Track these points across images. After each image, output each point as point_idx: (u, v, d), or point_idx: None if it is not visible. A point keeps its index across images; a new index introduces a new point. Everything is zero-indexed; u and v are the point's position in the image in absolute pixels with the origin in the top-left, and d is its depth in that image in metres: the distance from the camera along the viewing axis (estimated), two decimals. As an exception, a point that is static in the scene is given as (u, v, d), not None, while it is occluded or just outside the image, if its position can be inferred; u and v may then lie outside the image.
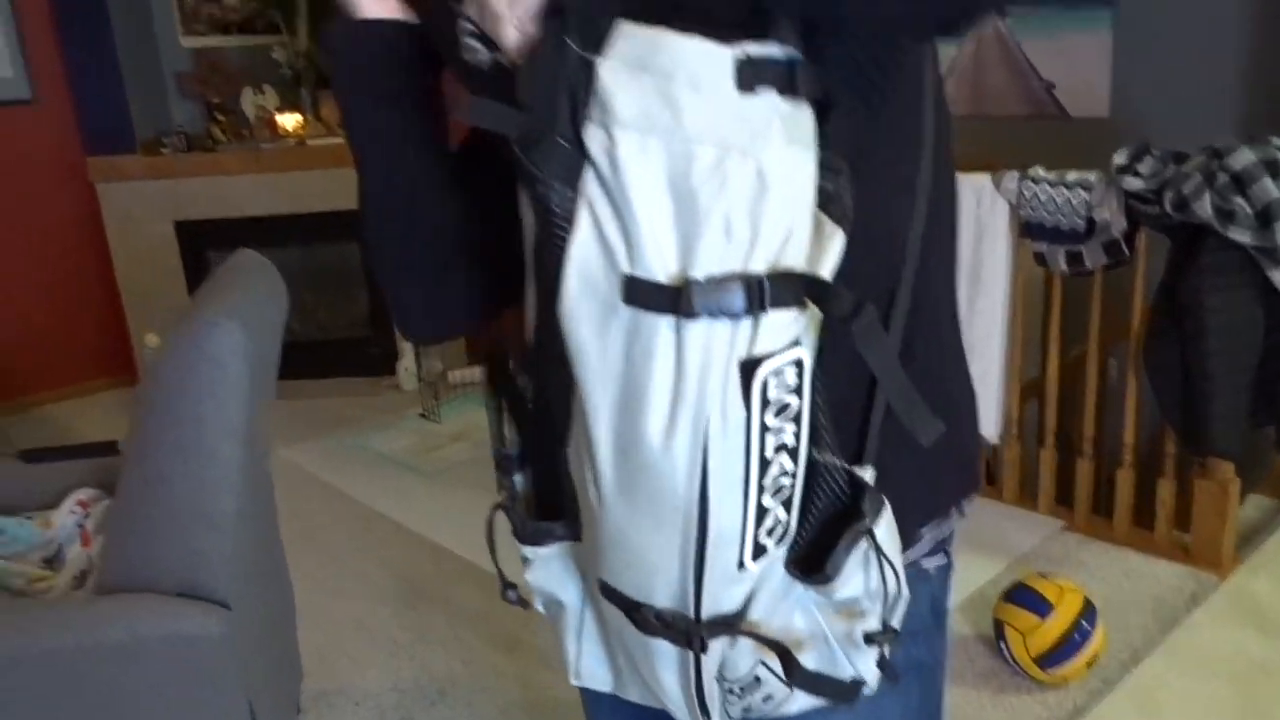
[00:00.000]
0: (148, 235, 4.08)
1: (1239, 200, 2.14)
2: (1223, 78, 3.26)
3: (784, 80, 0.56)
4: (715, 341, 0.56)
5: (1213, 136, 2.34)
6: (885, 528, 0.65)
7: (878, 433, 0.68)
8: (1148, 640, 2.17)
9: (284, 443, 3.50)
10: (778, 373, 0.58)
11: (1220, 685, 2.02)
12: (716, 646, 0.66)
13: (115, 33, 3.91)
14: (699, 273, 0.56)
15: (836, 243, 0.59)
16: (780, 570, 0.65)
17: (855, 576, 0.65)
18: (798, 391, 0.59)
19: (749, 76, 0.55)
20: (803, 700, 0.70)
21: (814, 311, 0.59)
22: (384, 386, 4.16)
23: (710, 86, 0.55)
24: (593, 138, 0.56)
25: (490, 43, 0.63)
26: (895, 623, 0.69)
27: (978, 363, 2.53)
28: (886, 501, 0.65)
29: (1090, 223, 2.37)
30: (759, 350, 0.57)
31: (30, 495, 1.94)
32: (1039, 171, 2.44)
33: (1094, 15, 3.41)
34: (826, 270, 0.59)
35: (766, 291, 0.56)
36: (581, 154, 0.57)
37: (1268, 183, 2.13)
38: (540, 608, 0.83)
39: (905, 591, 0.68)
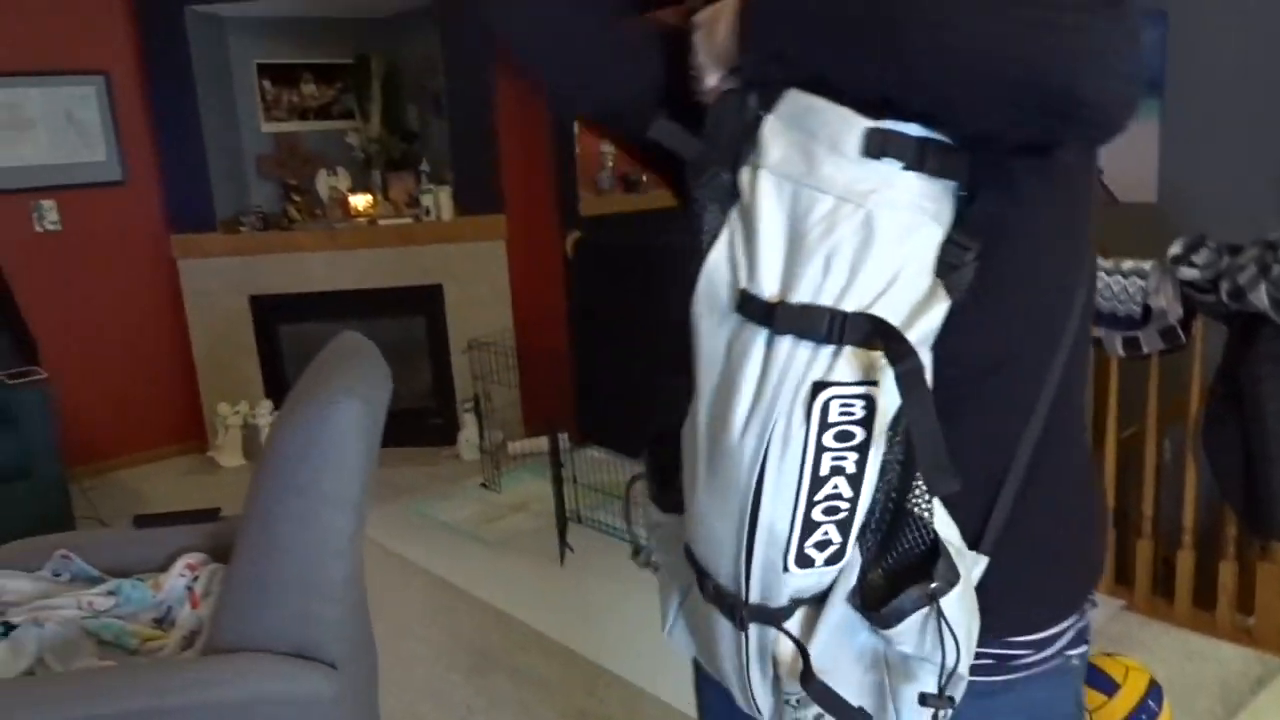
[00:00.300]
0: (223, 309, 4.27)
1: (1294, 290, 2.21)
2: (1269, 167, 3.35)
3: (912, 154, 0.65)
4: (795, 359, 0.66)
5: (1262, 224, 2.42)
6: (957, 600, 0.69)
7: (1001, 524, 0.74)
8: (1215, 722, 2.18)
9: (351, 511, 3.60)
10: (844, 402, 0.65)
11: (1290, 769, 2.03)
12: (754, 630, 0.73)
13: (203, 119, 4.14)
14: (795, 298, 0.66)
15: (939, 309, 0.67)
16: (841, 604, 0.71)
17: (914, 633, 0.69)
18: (864, 425, 0.66)
19: (876, 144, 0.65)
20: None
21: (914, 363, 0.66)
22: (444, 456, 4.28)
23: (843, 147, 0.66)
24: (744, 175, 0.69)
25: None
26: (955, 694, 0.71)
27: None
28: (963, 576, 0.69)
29: (1146, 309, 2.44)
30: (832, 377, 0.65)
31: (141, 558, 2.05)
32: (1096, 259, 2.52)
33: (1142, 104, 3.52)
34: (919, 328, 0.66)
35: (845, 328, 0.65)
36: (735, 186, 0.70)
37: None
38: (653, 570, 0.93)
39: (965, 668, 0.70)
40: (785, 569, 0.69)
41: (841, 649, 0.73)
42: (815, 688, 0.72)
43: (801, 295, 0.66)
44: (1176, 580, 2.56)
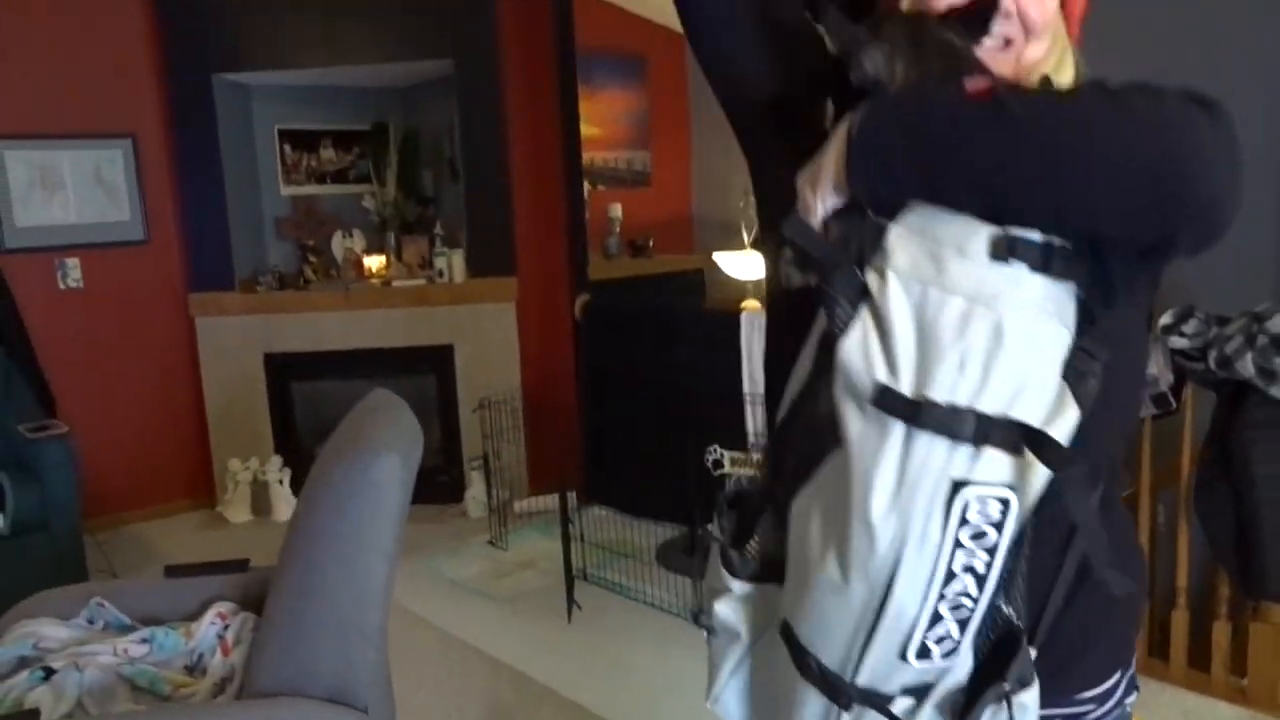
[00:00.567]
0: (238, 367, 4.37)
1: (1279, 360, 2.33)
2: (1259, 244, 3.50)
3: (1036, 257, 0.69)
4: (935, 455, 0.68)
5: (1250, 297, 2.54)
6: (1029, 701, 0.73)
7: (1061, 599, 0.78)
8: (1213, 780, 2.24)
9: (361, 566, 3.66)
10: (982, 502, 0.68)
11: (1287, 825, 2.09)
12: (855, 711, 0.75)
13: (225, 182, 4.28)
14: (934, 395, 0.68)
15: (1070, 417, 0.69)
16: (931, 713, 0.74)
17: None
18: (998, 527, 0.68)
19: (1003, 249, 0.69)
20: None
21: (1038, 471, 0.68)
22: (451, 514, 4.34)
23: (970, 252, 0.70)
24: (872, 278, 0.72)
25: None
26: None
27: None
28: (1037, 678, 0.73)
29: (1139, 376, 2.55)
30: (972, 476, 0.68)
31: (172, 607, 2.11)
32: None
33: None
34: (1057, 433, 0.68)
35: (991, 431, 0.67)
36: (865, 285, 0.73)
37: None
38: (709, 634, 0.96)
39: None
40: (904, 658, 0.71)
41: None
42: None
43: (937, 393, 0.68)
44: (1172, 641, 2.63)
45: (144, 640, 2.00)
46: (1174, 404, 2.55)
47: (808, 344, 0.79)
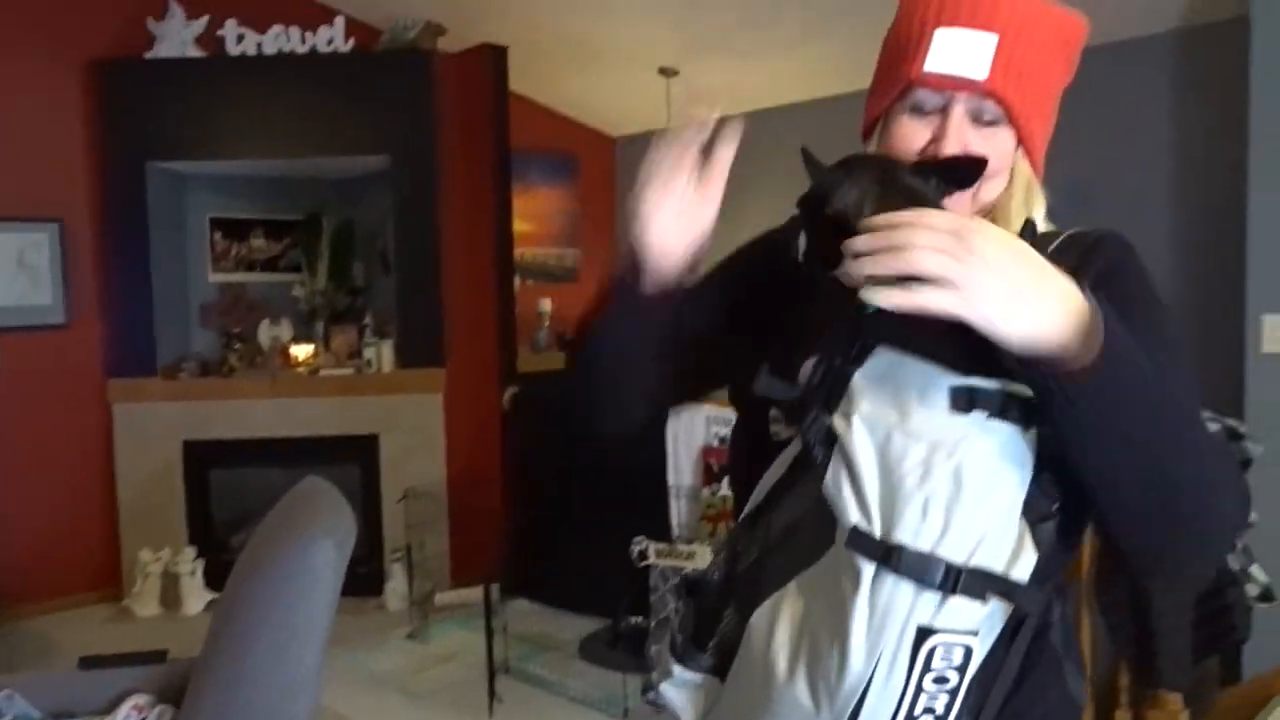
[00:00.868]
0: (155, 455, 4.28)
1: (1167, 458, 2.50)
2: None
3: (996, 407, 0.72)
4: (901, 599, 0.70)
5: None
6: None
7: (1000, 700, 0.80)
8: None
9: (277, 660, 3.56)
10: (947, 648, 0.70)
11: None
12: None
13: (152, 267, 4.26)
14: (902, 539, 0.70)
15: (1029, 559, 0.71)
16: None
17: None
18: (960, 670, 0.71)
19: (963, 400, 0.72)
20: None
21: (999, 615, 0.71)
22: (370, 607, 4.26)
23: (932, 402, 0.72)
24: (839, 422, 0.76)
25: None
26: None
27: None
28: None
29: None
30: (937, 624, 0.70)
31: (85, 700, 2.05)
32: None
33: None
34: (1019, 576, 0.71)
35: (961, 579, 0.70)
36: (832, 430, 0.76)
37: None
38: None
39: None
40: None
41: None
42: None
43: (902, 537, 0.71)
44: (1079, 729, 2.72)
45: (55, 734, 1.95)
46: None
47: (785, 453, 0.83)
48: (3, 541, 4.01)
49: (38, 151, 4.11)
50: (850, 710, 0.72)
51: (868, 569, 0.71)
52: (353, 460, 4.38)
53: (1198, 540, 0.79)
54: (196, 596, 4.17)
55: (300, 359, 4.54)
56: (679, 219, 0.92)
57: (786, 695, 0.75)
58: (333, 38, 4.28)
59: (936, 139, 0.90)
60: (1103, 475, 0.74)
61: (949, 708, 0.72)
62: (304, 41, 4.27)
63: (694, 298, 0.97)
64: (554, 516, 4.04)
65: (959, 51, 0.88)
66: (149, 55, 4.22)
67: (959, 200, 0.89)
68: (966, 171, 0.86)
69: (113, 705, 2.03)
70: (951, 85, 0.89)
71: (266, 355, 4.57)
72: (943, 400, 0.72)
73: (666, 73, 4.67)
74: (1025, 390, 0.72)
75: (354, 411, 4.34)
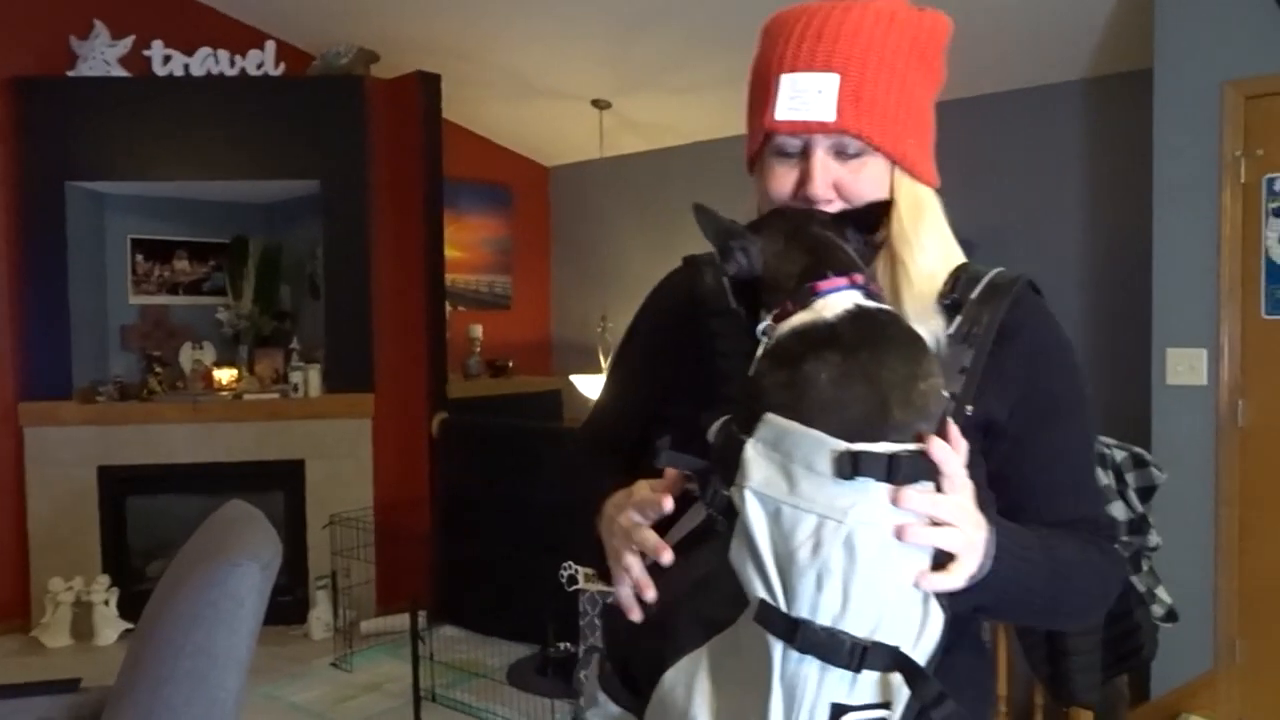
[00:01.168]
0: (69, 481, 4.15)
1: (1077, 484, 2.60)
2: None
3: (882, 470, 0.70)
4: (809, 677, 0.70)
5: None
6: None
7: None
8: None
9: (194, 692, 3.47)
10: None
11: None
12: None
13: (70, 288, 4.15)
14: (801, 614, 0.70)
15: (937, 622, 0.72)
16: None
17: None
18: None
19: (847, 468, 0.70)
20: None
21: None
22: (293, 636, 4.17)
23: (817, 467, 0.70)
24: (735, 493, 0.75)
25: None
26: None
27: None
28: None
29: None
30: (850, 700, 0.70)
31: (-8, 731, 1.98)
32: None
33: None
34: (923, 651, 0.71)
35: (865, 658, 0.69)
36: (729, 501, 0.76)
37: (1098, 472, 2.60)
38: None
39: None
40: None
41: None
42: None
43: (801, 612, 0.70)
44: (996, 748, 2.80)
45: (-41, 768, 1.88)
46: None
47: (698, 505, 0.83)
48: (-98, 571, 3.84)
49: (-49, 168, 3.99)
50: None
51: (776, 646, 0.71)
52: (277, 486, 4.30)
53: (1075, 626, 0.89)
54: (110, 627, 4.04)
55: (224, 383, 4.45)
56: None
57: None
58: (263, 61, 4.25)
59: (803, 181, 0.91)
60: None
61: None
62: (233, 64, 4.23)
63: (626, 417, 1.02)
64: (482, 542, 4.02)
65: (805, 96, 0.89)
66: (71, 74, 4.14)
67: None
68: (874, 216, 0.90)
69: (21, 737, 1.97)
70: (804, 129, 0.90)
71: (188, 379, 4.48)
72: (826, 467, 0.70)
73: (600, 105, 4.73)
74: (910, 447, 0.72)
75: (279, 437, 4.26)
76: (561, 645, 3.38)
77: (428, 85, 4.42)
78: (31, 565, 4.14)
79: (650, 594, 0.78)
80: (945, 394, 0.80)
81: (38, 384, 4.15)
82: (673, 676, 0.80)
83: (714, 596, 0.77)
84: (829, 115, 0.88)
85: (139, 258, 4.53)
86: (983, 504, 0.84)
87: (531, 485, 3.61)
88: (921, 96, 0.95)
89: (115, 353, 4.47)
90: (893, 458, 0.71)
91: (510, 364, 5.23)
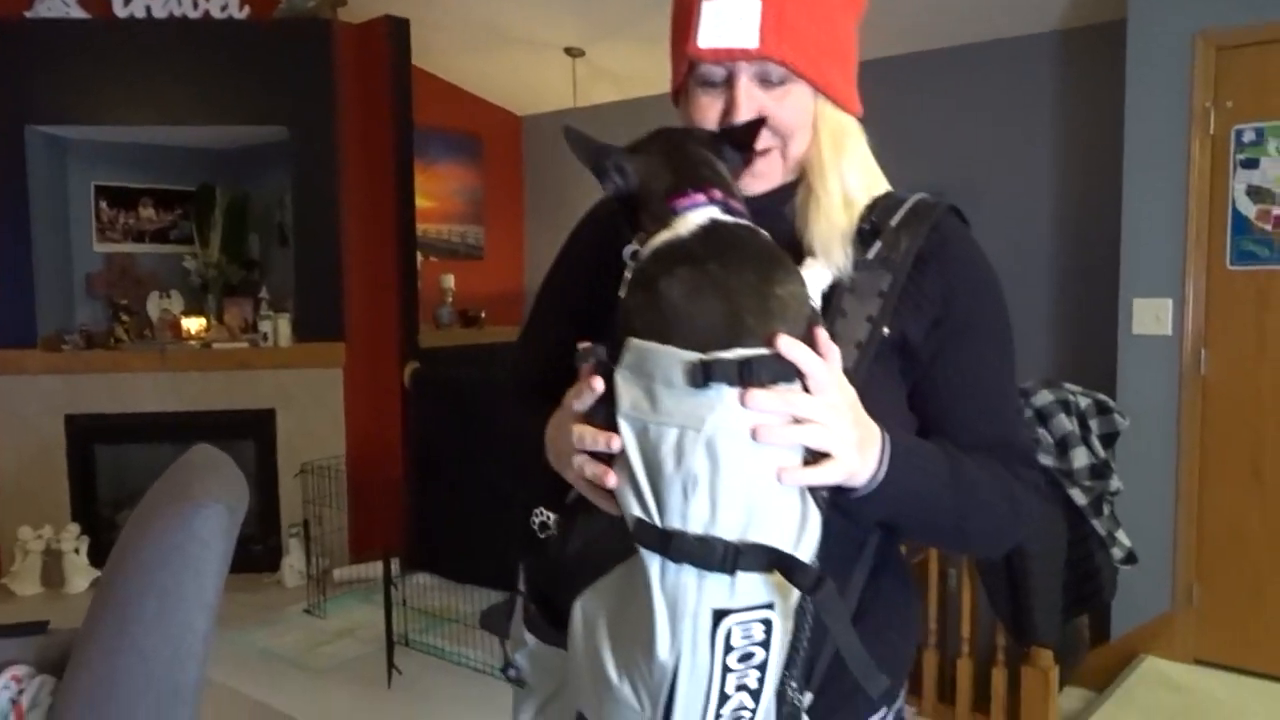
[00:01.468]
0: (35, 430, 4.11)
1: (1042, 431, 2.64)
2: (1027, 331, 3.93)
3: (735, 374, 0.70)
4: (688, 586, 0.70)
5: (1019, 377, 2.87)
6: None
7: (832, 652, 0.85)
8: (991, 814, 2.44)
9: (166, 639, 3.48)
10: (745, 627, 0.70)
11: None
12: None
13: (33, 235, 4.08)
14: (672, 525, 0.70)
15: (814, 523, 0.72)
16: None
17: None
18: (765, 645, 0.71)
19: (698, 376, 0.70)
20: None
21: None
22: (265, 583, 4.19)
23: (675, 383, 0.71)
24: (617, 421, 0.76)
25: None
26: None
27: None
28: None
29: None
30: (730, 604, 0.70)
31: (-41, 673, 1.98)
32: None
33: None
34: (806, 550, 0.71)
35: (739, 558, 0.69)
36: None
37: (1062, 418, 2.64)
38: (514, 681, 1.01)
39: None
40: None
41: None
42: None
43: (673, 522, 0.70)
44: (957, 686, 2.87)
45: (-75, 708, 1.88)
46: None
47: None
48: None
49: (-94, 110, 3.89)
50: (664, 701, 0.71)
51: (654, 560, 0.71)
52: (248, 435, 4.28)
53: (986, 554, 0.88)
54: (81, 575, 4.03)
55: (192, 332, 4.41)
56: None
57: (619, 695, 0.75)
58: (227, 4, 4.15)
59: (728, 109, 0.91)
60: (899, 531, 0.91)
61: (761, 681, 0.72)
62: (196, 6, 4.13)
63: (552, 360, 0.95)
64: (455, 490, 4.03)
65: (727, 22, 0.88)
66: (29, 15, 4.03)
67: (768, 164, 0.93)
68: (745, 134, 0.89)
69: (-12, 678, 1.97)
70: (728, 56, 0.89)
71: (156, 328, 4.43)
72: (681, 379, 0.71)
73: (572, 53, 4.67)
74: (763, 351, 0.72)
75: (249, 386, 4.24)
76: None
77: (396, 30, 4.34)
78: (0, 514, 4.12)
79: (611, 480, 0.77)
80: (812, 301, 0.80)
81: (1, 332, 4.09)
82: (580, 606, 0.81)
83: (622, 528, 0.77)
84: (751, 41, 0.87)
85: (103, 205, 4.45)
86: (900, 425, 0.85)
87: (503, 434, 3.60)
88: (843, 22, 0.94)
89: (81, 301, 4.41)
90: (745, 362, 0.71)
91: (483, 314, 5.21)
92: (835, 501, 0.80)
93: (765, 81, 0.90)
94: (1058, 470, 2.64)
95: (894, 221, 0.92)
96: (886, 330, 0.88)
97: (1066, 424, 2.64)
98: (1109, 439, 2.72)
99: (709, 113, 0.92)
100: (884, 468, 0.80)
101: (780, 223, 0.92)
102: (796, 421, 0.72)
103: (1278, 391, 3.06)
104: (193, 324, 4.43)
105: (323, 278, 4.30)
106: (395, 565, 3.43)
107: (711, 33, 0.88)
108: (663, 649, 0.70)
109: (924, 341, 0.91)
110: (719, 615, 0.69)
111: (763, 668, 0.71)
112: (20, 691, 1.92)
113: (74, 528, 4.08)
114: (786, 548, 0.71)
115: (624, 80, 4.90)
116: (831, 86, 0.92)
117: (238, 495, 1.82)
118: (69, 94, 4.05)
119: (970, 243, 0.97)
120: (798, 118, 0.92)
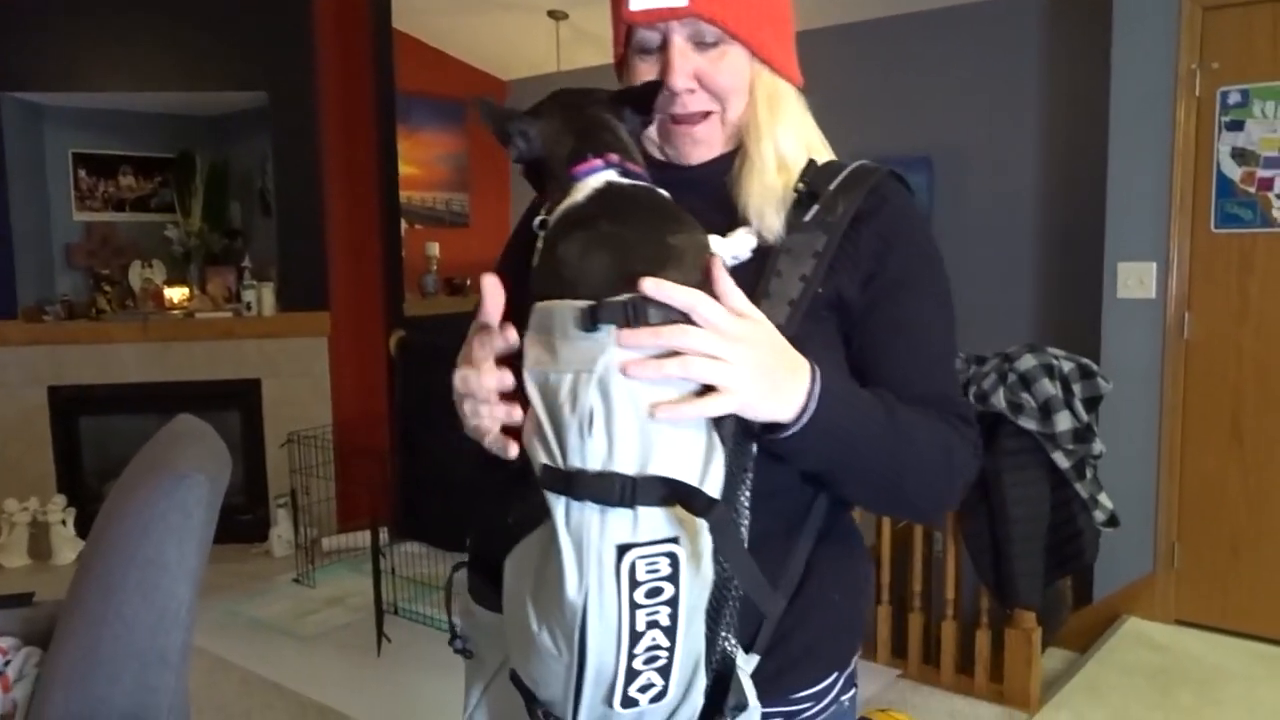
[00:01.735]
0: (18, 401, 4.09)
1: (1025, 395, 2.65)
2: (1011, 298, 3.94)
3: (621, 315, 0.72)
4: (589, 523, 0.71)
5: (1005, 342, 2.88)
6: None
7: (774, 622, 0.86)
8: (974, 772, 2.48)
9: (154, 609, 3.48)
10: (650, 561, 0.71)
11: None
12: None
13: (10, 205, 4.03)
14: (573, 465, 0.72)
15: (718, 456, 0.74)
16: None
17: None
18: (673, 580, 0.71)
19: (587, 319, 0.72)
20: None
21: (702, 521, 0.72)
22: (254, 554, 4.19)
23: (570, 333, 0.73)
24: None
25: None
26: None
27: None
28: (753, 700, 0.80)
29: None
30: (633, 539, 0.71)
31: (-56, 645, 1.98)
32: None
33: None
34: (711, 482, 0.73)
35: (636, 491, 0.70)
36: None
37: (1046, 382, 2.66)
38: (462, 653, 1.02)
39: None
40: (612, 707, 0.74)
41: None
42: None
43: (574, 462, 0.72)
44: (941, 649, 2.90)
45: (-89, 680, 1.87)
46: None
47: None
48: None
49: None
50: (578, 641, 0.72)
51: (559, 503, 0.73)
52: (234, 406, 4.27)
53: (918, 516, 0.86)
54: (68, 547, 4.03)
55: (175, 302, 4.38)
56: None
57: (539, 644, 0.76)
58: (204, -35, 4.08)
59: (663, 72, 0.91)
60: (827, 482, 0.88)
61: (674, 618, 0.72)
62: (173, -32, 4.06)
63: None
64: (442, 461, 4.03)
65: None
66: (2, -23, 3.96)
67: (707, 128, 0.93)
68: (644, 95, 0.90)
69: (-26, 650, 1.97)
70: (659, 17, 0.90)
71: (138, 298, 4.40)
72: (574, 328, 0.73)
73: (556, 15, 4.61)
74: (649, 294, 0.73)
75: (234, 356, 4.22)
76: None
77: (377, -8, 4.28)
78: (-17, 486, 4.10)
79: (513, 450, 0.79)
80: (711, 249, 0.81)
81: (-20, 304, 4.06)
82: (508, 564, 0.82)
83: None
84: (680, 0, 0.88)
85: (82, 173, 4.40)
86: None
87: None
88: None
89: (61, 271, 4.37)
90: (630, 302, 0.72)
91: (469, 282, 5.19)
92: (767, 445, 0.81)
93: (700, 44, 0.91)
94: (1040, 434, 2.65)
95: (833, 186, 0.92)
96: (820, 289, 0.89)
97: (1050, 388, 2.65)
98: (1092, 403, 2.74)
99: (647, 79, 0.92)
100: (813, 402, 0.79)
101: (721, 191, 0.93)
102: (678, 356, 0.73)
103: (1258, 355, 3.08)
104: (175, 294, 4.40)
105: (306, 246, 4.27)
106: (384, 534, 3.44)
107: None
108: (571, 587, 0.71)
109: (859, 297, 0.91)
110: (622, 550, 0.70)
111: (673, 603, 0.71)
112: (6, 663, 1.92)
113: (60, 499, 4.08)
114: (691, 481, 0.72)
115: (607, 43, 4.80)
116: (765, 48, 0.93)
117: (219, 465, 1.82)
118: (44, 59, 3.99)
119: (910, 206, 0.97)
120: (734, 80, 0.92)
